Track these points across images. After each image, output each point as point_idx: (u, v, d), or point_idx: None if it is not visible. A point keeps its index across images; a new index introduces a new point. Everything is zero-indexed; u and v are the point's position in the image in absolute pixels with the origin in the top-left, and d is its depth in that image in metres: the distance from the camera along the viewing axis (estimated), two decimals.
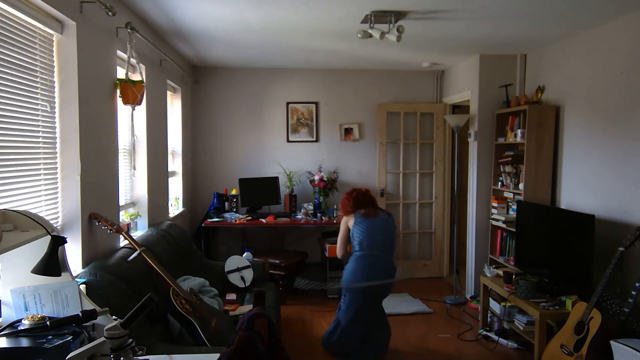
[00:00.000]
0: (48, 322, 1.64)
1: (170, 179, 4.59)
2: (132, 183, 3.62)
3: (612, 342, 2.59)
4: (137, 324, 1.50)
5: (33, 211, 1.97)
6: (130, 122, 3.26)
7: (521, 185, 4.22)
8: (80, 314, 1.66)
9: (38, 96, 2.29)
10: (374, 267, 3.37)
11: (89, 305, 1.76)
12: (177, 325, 2.52)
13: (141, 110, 3.57)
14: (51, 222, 2.12)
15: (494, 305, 4.03)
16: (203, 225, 4.95)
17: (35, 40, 2.27)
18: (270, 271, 4.59)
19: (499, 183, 4.64)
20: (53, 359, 1.51)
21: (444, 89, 5.74)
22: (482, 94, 4.75)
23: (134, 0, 3.09)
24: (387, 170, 5.67)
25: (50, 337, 1.59)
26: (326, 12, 3.30)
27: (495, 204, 4.62)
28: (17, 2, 2.07)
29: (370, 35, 3.39)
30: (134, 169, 3.53)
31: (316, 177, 5.28)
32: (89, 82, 2.59)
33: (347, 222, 3.54)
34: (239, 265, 3.75)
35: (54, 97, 2.42)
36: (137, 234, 3.39)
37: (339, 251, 3.65)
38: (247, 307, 3.25)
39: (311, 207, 5.27)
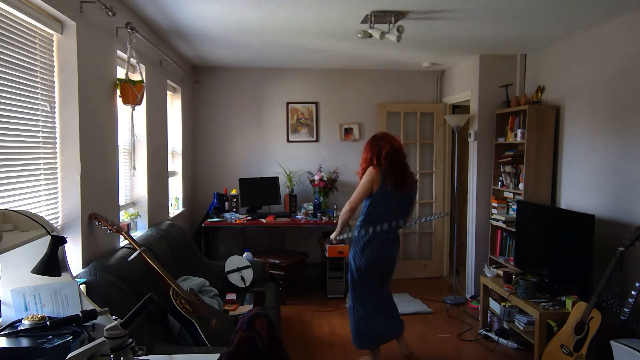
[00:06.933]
0: (48, 322, 1.64)
1: (170, 179, 4.58)
2: (132, 183, 3.62)
3: (612, 342, 2.59)
4: (137, 324, 1.50)
5: (33, 211, 1.97)
6: (130, 122, 3.25)
7: (521, 185, 4.22)
8: (80, 314, 1.66)
9: (38, 96, 2.29)
10: (387, 246, 3.30)
11: (89, 305, 1.76)
12: (177, 325, 2.52)
13: (141, 110, 3.57)
14: (51, 222, 2.12)
15: (494, 305, 4.03)
16: (203, 225, 4.96)
17: (35, 40, 2.27)
18: (270, 271, 4.59)
19: (499, 183, 4.64)
20: (53, 359, 1.51)
21: (444, 89, 5.74)
22: (482, 94, 4.75)
23: (134, 0, 3.09)
24: None
25: (50, 337, 1.59)
26: (326, 12, 3.30)
27: (495, 204, 4.62)
28: (17, 2, 2.07)
29: (370, 35, 3.39)
30: (134, 169, 3.53)
31: (316, 177, 5.28)
32: (89, 82, 2.59)
33: (374, 178, 3.20)
34: (239, 265, 3.75)
35: (54, 97, 2.42)
36: (137, 234, 3.39)
37: (351, 208, 3.27)
38: (247, 307, 3.25)
39: (311, 207, 5.27)
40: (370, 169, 3.25)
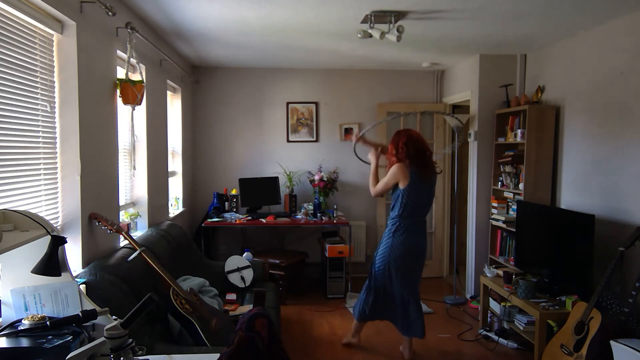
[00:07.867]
0: (48, 322, 1.64)
1: (170, 179, 4.58)
2: (132, 183, 3.62)
3: (612, 342, 2.59)
4: (137, 324, 1.50)
5: (33, 211, 1.97)
6: (130, 122, 3.26)
7: (521, 185, 4.22)
8: (80, 314, 1.66)
9: (38, 96, 2.29)
10: (421, 234, 3.44)
11: (89, 305, 1.76)
12: (177, 325, 2.52)
13: (141, 110, 3.57)
14: (51, 222, 2.12)
15: (494, 305, 4.03)
16: (203, 225, 4.95)
17: (35, 40, 2.27)
18: (270, 271, 4.59)
19: (499, 183, 4.64)
20: (53, 359, 1.51)
21: (444, 89, 5.74)
22: (482, 94, 4.75)
23: (134, 0, 3.09)
24: None
25: (50, 337, 1.59)
26: (326, 12, 3.30)
27: (495, 204, 4.62)
28: (17, 2, 2.07)
29: (370, 35, 3.39)
30: (134, 169, 3.53)
31: (316, 177, 5.28)
32: (89, 82, 2.59)
33: (399, 176, 3.34)
34: (239, 265, 3.75)
35: (54, 97, 2.42)
36: (137, 234, 3.39)
37: (375, 189, 3.58)
38: (247, 307, 3.25)
39: (311, 207, 5.27)
40: (393, 166, 3.40)
